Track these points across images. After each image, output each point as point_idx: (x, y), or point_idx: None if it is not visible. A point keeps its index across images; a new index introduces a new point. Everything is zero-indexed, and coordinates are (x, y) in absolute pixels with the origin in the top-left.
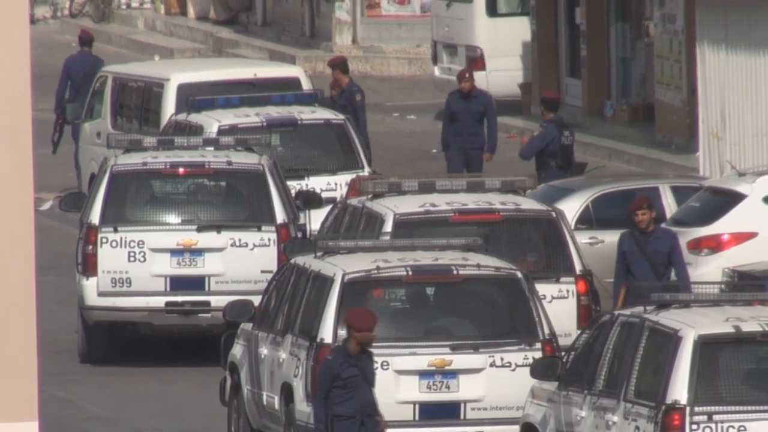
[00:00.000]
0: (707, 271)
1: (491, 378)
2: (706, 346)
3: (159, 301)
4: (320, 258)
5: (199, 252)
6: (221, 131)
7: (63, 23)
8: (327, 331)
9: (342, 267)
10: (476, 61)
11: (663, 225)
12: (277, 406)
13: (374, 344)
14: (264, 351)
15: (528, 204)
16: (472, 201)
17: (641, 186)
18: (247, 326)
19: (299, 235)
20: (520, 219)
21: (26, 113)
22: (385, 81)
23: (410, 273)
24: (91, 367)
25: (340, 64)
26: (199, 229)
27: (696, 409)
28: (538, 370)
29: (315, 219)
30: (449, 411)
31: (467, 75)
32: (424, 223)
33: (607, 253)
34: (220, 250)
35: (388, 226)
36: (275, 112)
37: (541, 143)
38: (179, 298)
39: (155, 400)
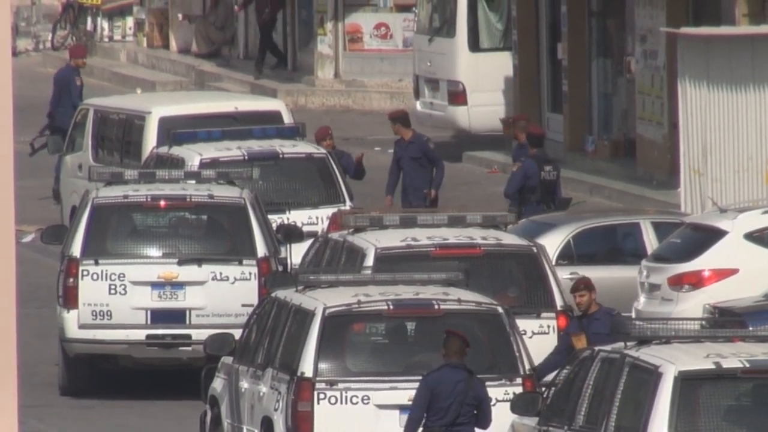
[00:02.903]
0: (688, 307)
1: None
2: (687, 382)
3: (140, 334)
4: (301, 292)
5: (180, 285)
6: (203, 164)
7: (45, 56)
8: (307, 365)
9: (323, 301)
10: (458, 95)
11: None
12: None
13: (354, 379)
14: (244, 384)
15: (509, 239)
16: (453, 236)
17: (622, 221)
18: (227, 360)
19: (280, 268)
20: (501, 254)
21: (8, 145)
22: (366, 115)
23: (391, 307)
24: (71, 400)
25: (401, 118)
26: (180, 263)
27: None
28: (518, 405)
29: (296, 253)
30: None
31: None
32: (405, 258)
33: None
34: (201, 283)
35: (370, 261)
36: (257, 145)
37: (522, 179)
38: (160, 331)
39: None
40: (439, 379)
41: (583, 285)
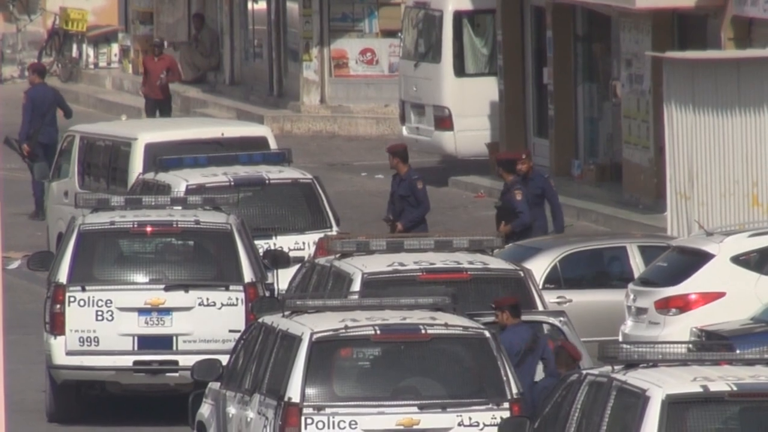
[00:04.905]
0: (675, 330)
1: None
2: (674, 405)
3: (127, 360)
4: (288, 317)
5: (167, 311)
6: (189, 190)
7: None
8: (295, 390)
9: (310, 326)
10: (444, 120)
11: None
12: None
13: (342, 404)
14: (232, 410)
15: (496, 263)
16: (440, 260)
17: (609, 245)
18: (215, 385)
19: (267, 294)
20: (487, 278)
21: None
22: (352, 140)
23: (378, 332)
24: (58, 427)
25: (400, 152)
26: (167, 289)
27: None
28: (506, 429)
29: (283, 278)
30: None
31: (524, 156)
32: (392, 283)
33: (575, 312)
34: (188, 309)
35: (356, 285)
36: (243, 171)
37: (527, 203)
38: (147, 357)
39: None
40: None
41: (495, 304)
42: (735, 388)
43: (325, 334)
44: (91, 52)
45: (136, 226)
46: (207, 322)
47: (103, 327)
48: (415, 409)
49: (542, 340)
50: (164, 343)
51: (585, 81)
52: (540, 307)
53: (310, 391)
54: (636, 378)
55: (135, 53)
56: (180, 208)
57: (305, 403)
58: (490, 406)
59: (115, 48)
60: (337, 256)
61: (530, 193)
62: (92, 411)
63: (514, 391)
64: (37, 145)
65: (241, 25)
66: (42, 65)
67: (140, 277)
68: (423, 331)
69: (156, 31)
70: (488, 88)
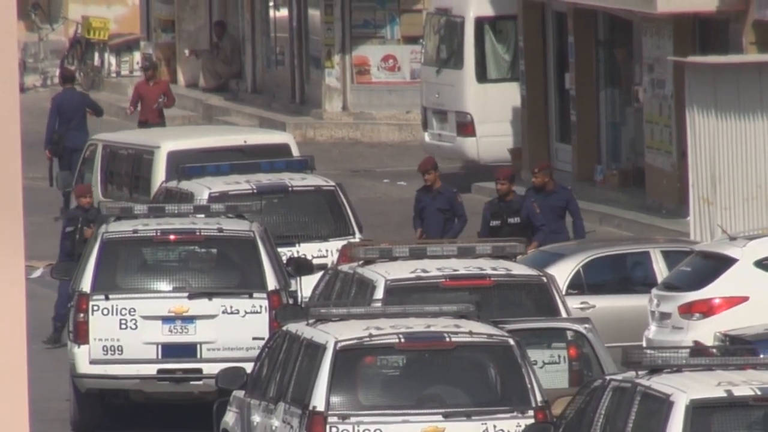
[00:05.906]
0: (699, 335)
1: None
2: (698, 410)
3: (151, 369)
4: (312, 325)
5: (191, 319)
6: (212, 198)
7: (52, 91)
8: (319, 399)
9: (334, 334)
10: (466, 126)
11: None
12: None
13: (366, 412)
14: (256, 418)
15: (519, 269)
16: (463, 267)
17: (632, 250)
18: (239, 393)
19: (291, 301)
20: (511, 284)
21: (17, 182)
22: (375, 147)
23: (402, 340)
24: None
25: (437, 166)
26: (191, 297)
27: None
28: None
29: (306, 286)
30: None
31: (536, 171)
32: (415, 289)
33: (599, 318)
34: (212, 317)
35: (380, 293)
36: (266, 178)
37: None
38: (171, 366)
39: None
40: None
41: None
42: (759, 393)
43: (350, 342)
44: (113, 60)
45: (159, 234)
46: (231, 329)
47: (127, 335)
48: (440, 417)
49: None
50: (188, 351)
51: (607, 86)
52: (563, 314)
53: (335, 399)
54: (660, 383)
55: (157, 61)
56: (203, 216)
57: (330, 412)
58: (514, 413)
59: (137, 56)
60: (360, 263)
61: (554, 206)
62: (116, 420)
63: (539, 398)
64: (65, 150)
65: (262, 33)
66: (69, 70)
67: (164, 286)
68: (447, 339)
69: (178, 39)
70: (510, 94)
